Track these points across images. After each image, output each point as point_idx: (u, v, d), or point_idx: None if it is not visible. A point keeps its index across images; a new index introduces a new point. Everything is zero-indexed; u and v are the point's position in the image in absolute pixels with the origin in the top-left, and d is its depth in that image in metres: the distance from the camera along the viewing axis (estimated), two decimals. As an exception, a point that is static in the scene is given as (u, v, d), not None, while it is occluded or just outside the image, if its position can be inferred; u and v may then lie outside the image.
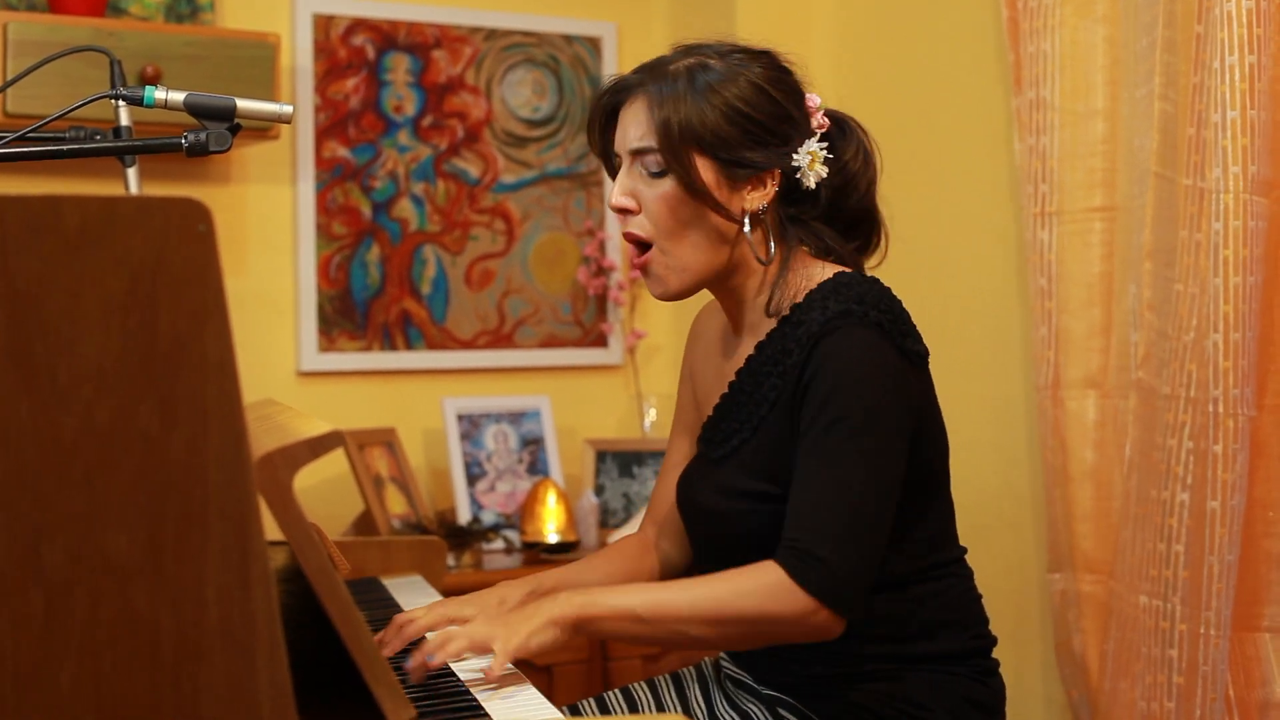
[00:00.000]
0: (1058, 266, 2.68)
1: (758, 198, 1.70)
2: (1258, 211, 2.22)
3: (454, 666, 1.66)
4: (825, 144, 1.73)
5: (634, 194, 1.71)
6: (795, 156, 1.70)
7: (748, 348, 1.75)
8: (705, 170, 1.67)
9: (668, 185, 1.68)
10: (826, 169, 1.72)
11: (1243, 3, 2.19)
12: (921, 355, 1.69)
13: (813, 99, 1.75)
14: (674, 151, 1.66)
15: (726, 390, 1.76)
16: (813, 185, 1.71)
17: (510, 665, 1.54)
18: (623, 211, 1.72)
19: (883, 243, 1.83)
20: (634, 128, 1.70)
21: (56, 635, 1.05)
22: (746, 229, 1.70)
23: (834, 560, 1.54)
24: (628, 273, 3.52)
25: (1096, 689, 2.60)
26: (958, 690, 1.72)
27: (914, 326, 1.68)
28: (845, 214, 1.77)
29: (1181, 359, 2.30)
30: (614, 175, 1.77)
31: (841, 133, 1.77)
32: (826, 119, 1.75)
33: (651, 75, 1.70)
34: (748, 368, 1.73)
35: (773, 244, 1.72)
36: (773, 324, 1.72)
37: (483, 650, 1.52)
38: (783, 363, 1.67)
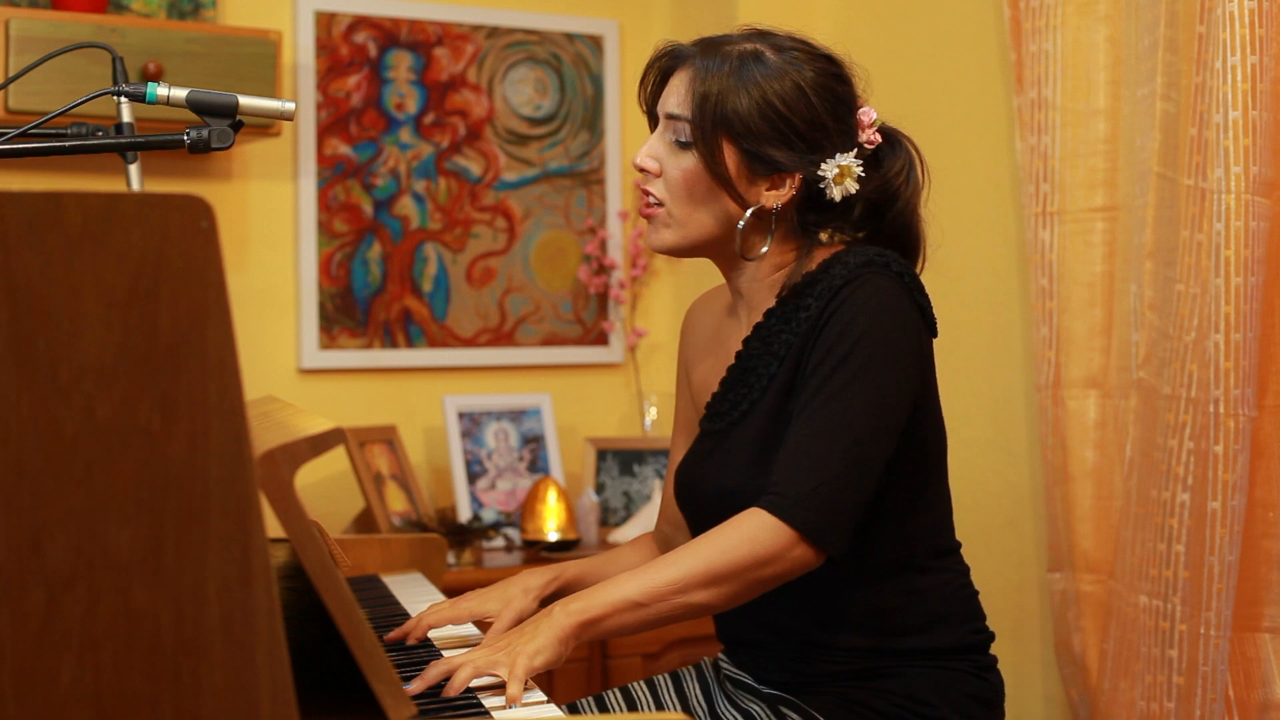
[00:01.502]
0: (1059, 266, 2.68)
1: (773, 196, 1.71)
2: (1259, 212, 2.22)
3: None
4: (862, 160, 1.72)
5: (658, 157, 1.73)
6: (823, 166, 1.69)
7: (754, 320, 1.76)
8: (729, 156, 1.69)
9: (690, 160, 1.70)
10: (859, 185, 1.72)
11: (1245, 3, 2.19)
12: (933, 320, 1.70)
13: (868, 113, 1.75)
14: (703, 129, 1.68)
15: (733, 361, 1.77)
16: (837, 198, 1.71)
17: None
18: (643, 171, 1.74)
19: (921, 260, 1.83)
20: (674, 95, 1.72)
21: (57, 631, 1.05)
22: (740, 224, 1.71)
23: (814, 494, 1.55)
24: (629, 271, 3.52)
25: (1096, 689, 2.60)
26: (958, 686, 1.72)
27: (928, 296, 1.70)
28: (883, 227, 1.78)
29: (1183, 359, 2.30)
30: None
31: (891, 148, 1.78)
32: (879, 135, 1.75)
33: (704, 50, 1.72)
34: (755, 334, 1.74)
35: (771, 241, 1.73)
36: (781, 293, 1.73)
37: (489, 675, 1.50)
38: (795, 318, 1.68)
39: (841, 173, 1.70)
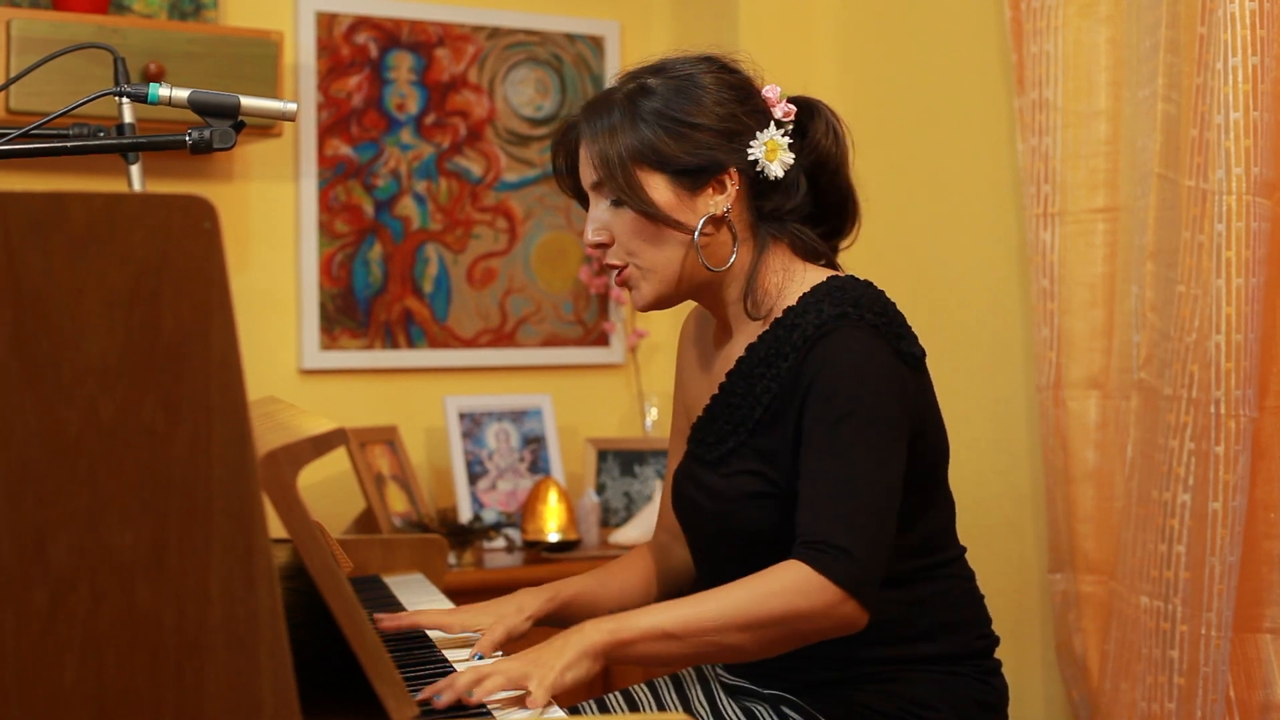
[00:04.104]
0: (1060, 267, 2.68)
1: (721, 200, 1.71)
2: (1260, 213, 2.22)
3: (457, 666, 1.65)
4: (785, 131, 1.73)
5: (605, 226, 1.73)
6: (750, 150, 1.70)
7: (738, 349, 1.75)
8: (658, 187, 1.69)
9: (628, 212, 1.70)
10: (794, 155, 1.73)
11: (1246, 4, 2.19)
12: (917, 357, 1.69)
13: (771, 90, 1.75)
14: (616, 179, 1.68)
15: (717, 392, 1.77)
16: (779, 175, 1.72)
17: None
18: (598, 246, 1.74)
19: (857, 225, 1.82)
20: (586, 166, 1.73)
21: (60, 631, 1.05)
22: (696, 237, 1.70)
23: (856, 550, 1.54)
24: (629, 272, 3.52)
25: (1097, 689, 2.60)
26: (962, 690, 1.72)
27: (909, 328, 1.69)
28: (822, 195, 1.78)
29: (1184, 360, 2.30)
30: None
31: (810, 115, 1.78)
32: (792, 106, 1.76)
33: (589, 111, 1.74)
34: (738, 369, 1.73)
35: (737, 249, 1.73)
36: (762, 326, 1.72)
37: (518, 688, 1.48)
38: (776, 365, 1.67)
39: (770, 148, 1.71)
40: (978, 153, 3.00)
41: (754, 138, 1.71)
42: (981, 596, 1.81)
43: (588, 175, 1.73)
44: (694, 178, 1.69)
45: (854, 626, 1.56)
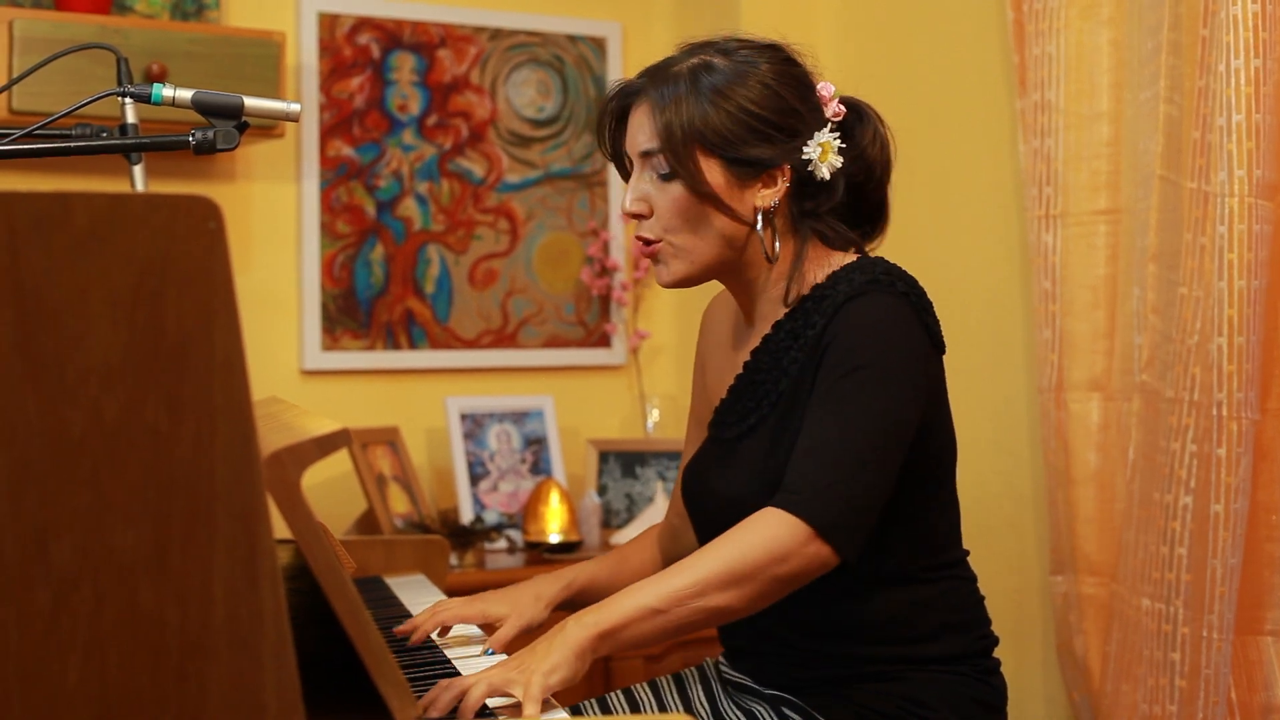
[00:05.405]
0: (1062, 269, 2.68)
1: (769, 195, 1.69)
2: (1262, 215, 2.22)
3: (460, 665, 1.65)
4: (838, 134, 1.72)
5: (645, 198, 1.71)
6: (805, 150, 1.69)
7: (762, 331, 1.75)
8: (713, 171, 1.67)
9: (676, 188, 1.68)
10: (841, 159, 1.71)
11: (1249, 6, 2.19)
12: (940, 339, 1.69)
13: (826, 87, 1.74)
14: (678, 154, 1.66)
15: (741, 371, 1.76)
16: (826, 176, 1.70)
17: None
18: (635, 216, 1.72)
19: (885, 228, 1.82)
20: (640, 132, 1.70)
21: (63, 632, 1.05)
22: (759, 227, 1.69)
23: (827, 491, 1.53)
24: (631, 273, 3.52)
25: (1098, 691, 2.60)
26: (962, 690, 1.72)
27: (935, 314, 1.69)
28: (863, 203, 1.77)
29: (1185, 362, 2.30)
30: (626, 178, 1.77)
31: (859, 119, 1.76)
32: (842, 107, 1.74)
33: (654, 78, 1.70)
34: (764, 347, 1.72)
35: (778, 242, 1.72)
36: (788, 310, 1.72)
37: (501, 695, 1.46)
38: (804, 335, 1.66)
39: (824, 150, 1.69)
40: (979, 154, 3.00)
41: (810, 137, 1.69)
42: (982, 599, 1.81)
43: (640, 142, 1.70)
44: (749, 169, 1.67)
45: (826, 567, 1.54)
